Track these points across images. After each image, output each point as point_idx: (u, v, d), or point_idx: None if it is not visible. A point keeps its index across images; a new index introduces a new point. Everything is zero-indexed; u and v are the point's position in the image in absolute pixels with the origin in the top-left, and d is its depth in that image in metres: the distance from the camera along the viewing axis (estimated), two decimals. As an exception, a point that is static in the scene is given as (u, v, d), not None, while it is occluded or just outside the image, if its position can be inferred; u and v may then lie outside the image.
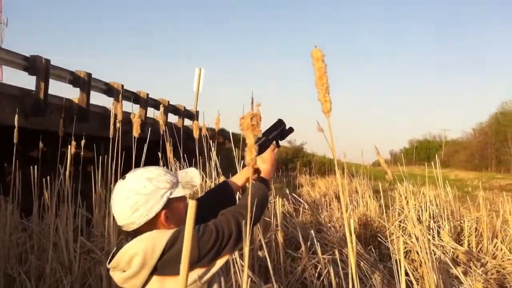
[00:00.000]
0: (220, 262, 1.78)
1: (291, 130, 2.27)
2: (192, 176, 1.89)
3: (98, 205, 4.33)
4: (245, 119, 1.47)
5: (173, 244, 1.69)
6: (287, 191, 7.86)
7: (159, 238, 1.70)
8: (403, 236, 6.37)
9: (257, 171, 2.10)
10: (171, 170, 5.41)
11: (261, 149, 2.07)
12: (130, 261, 1.70)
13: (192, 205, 0.82)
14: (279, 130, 2.19)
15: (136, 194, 1.74)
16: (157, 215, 1.75)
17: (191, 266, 1.70)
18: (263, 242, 4.27)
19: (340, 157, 13.06)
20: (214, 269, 1.76)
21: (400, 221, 7.52)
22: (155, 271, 1.70)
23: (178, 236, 1.70)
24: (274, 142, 2.16)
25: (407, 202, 7.50)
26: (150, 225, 1.75)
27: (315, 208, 8.39)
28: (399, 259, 2.57)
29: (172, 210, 1.79)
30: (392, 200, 8.84)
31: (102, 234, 4.10)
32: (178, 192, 1.80)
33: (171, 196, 1.77)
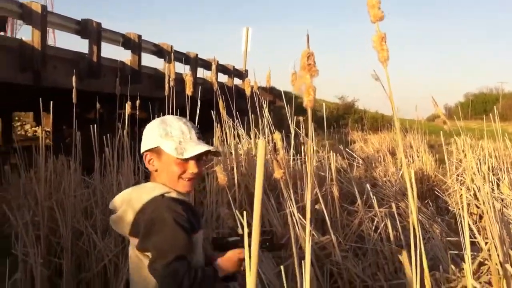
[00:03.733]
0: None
1: (282, 246, 2.06)
2: (195, 149, 1.79)
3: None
4: (302, 58, 1.42)
5: (150, 206, 1.72)
6: (340, 147, 7.81)
7: (144, 193, 1.76)
8: (461, 189, 6.24)
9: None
10: (224, 128, 5.47)
11: (227, 247, 1.88)
12: (119, 204, 1.82)
13: (260, 145, 0.81)
14: (262, 239, 1.93)
15: (147, 127, 1.86)
16: (145, 154, 1.83)
17: (143, 244, 1.71)
18: (319, 195, 4.27)
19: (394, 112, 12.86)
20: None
21: (457, 175, 7.36)
22: (131, 228, 1.76)
23: (158, 202, 1.72)
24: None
25: (465, 155, 7.32)
26: (145, 157, 1.84)
27: (369, 163, 8.30)
28: (461, 207, 2.53)
29: (157, 159, 1.80)
30: (449, 155, 8.64)
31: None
32: (166, 146, 1.78)
33: (160, 145, 1.78)
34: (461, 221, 3.15)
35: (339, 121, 20.44)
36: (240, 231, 1.98)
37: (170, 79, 4.41)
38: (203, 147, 1.80)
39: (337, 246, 3.66)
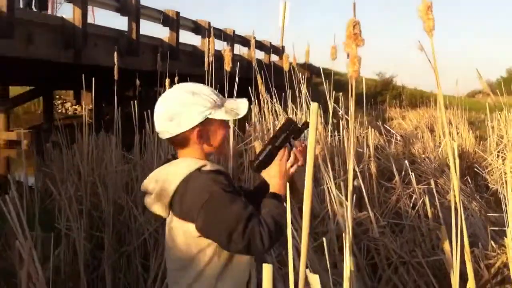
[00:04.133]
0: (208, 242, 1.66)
1: (306, 125, 1.86)
2: (239, 106, 1.78)
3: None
4: (348, 27, 1.40)
5: (192, 182, 1.65)
6: (378, 123, 7.75)
7: (180, 170, 1.67)
8: (503, 165, 6.13)
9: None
10: (261, 104, 5.49)
11: (268, 162, 1.79)
12: (151, 186, 1.73)
13: (313, 109, 0.82)
14: (288, 133, 1.82)
15: (175, 104, 1.71)
16: (191, 130, 1.69)
17: (191, 219, 1.64)
18: (357, 171, 4.27)
19: (432, 89, 12.58)
20: (204, 243, 1.66)
21: (498, 151, 7.22)
22: (171, 206, 1.69)
23: (199, 176, 1.66)
24: (286, 146, 1.80)
25: (507, 131, 7.17)
26: (182, 138, 1.71)
27: (407, 140, 8.22)
28: (504, 183, 2.49)
29: (207, 130, 1.73)
30: (489, 131, 8.47)
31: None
32: (219, 115, 1.72)
33: (209, 116, 1.70)
34: (503, 197, 3.12)
35: (377, 97, 20.18)
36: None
37: (210, 55, 4.44)
38: (243, 100, 1.80)
39: (374, 222, 3.67)
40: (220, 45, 10.52)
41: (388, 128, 8.09)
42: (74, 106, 18.09)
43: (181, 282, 1.73)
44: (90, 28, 8.32)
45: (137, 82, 6.78)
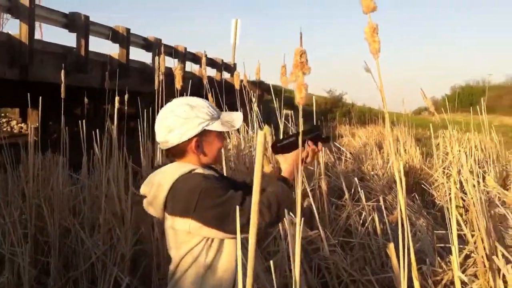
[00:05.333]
0: (211, 232, 1.76)
1: (327, 139, 2.13)
2: (234, 118, 1.94)
3: (146, 158, 4.42)
4: (295, 55, 1.43)
5: (182, 182, 1.77)
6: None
7: (172, 173, 1.80)
8: (448, 182, 6.30)
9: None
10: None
11: (287, 149, 1.94)
12: (147, 189, 1.87)
13: (260, 134, 0.82)
14: (312, 135, 2.01)
15: (175, 116, 1.84)
16: (189, 141, 1.84)
17: (185, 214, 1.74)
18: (308, 190, 4.30)
19: (380, 106, 12.88)
20: (207, 234, 1.76)
21: (444, 168, 7.43)
22: (165, 206, 1.81)
23: (189, 176, 1.78)
24: (308, 145, 1.97)
25: (452, 148, 7.39)
26: (181, 148, 1.86)
27: (357, 157, 8.35)
28: (449, 200, 2.56)
29: (205, 140, 1.87)
30: (435, 148, 8.72)
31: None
32: (215, 127, 1.86)
33: (207, 127, 1.85)
34: (448, 214, 3.20)
35: (327, 115, 20.48)
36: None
37: (160, 73, 4.40)
38: (238, 114, 1.98)
39: (325, 241, 3.70)
40: (172, 62, 10.43)
41: (338, 145, 8.20)
42: (20, 124, 17.56)
43: (172, 278, 1.86)
44: (37, 44, 8.12)
45: (85, 100, 6.64)
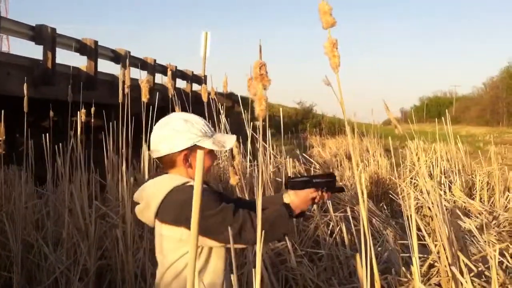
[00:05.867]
0: (205, 241, 1.85)
1: (341, 189, 2.31)
2: (227, 139, 2.02)
3: (111, 171, 4.37)
4: (254, 68, 1.44)
5: (175, 193, 1.86)
6: (298, 152, 7.88)
7: (166, 183, 1.90)
8: (414, 192, 6.39)
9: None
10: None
11: (300, 187, 2.06)
12: (142, 196, 1.96)
13: (200, 154, 0.83)
14: (326, 180, 2.17)
15: (169, 128, 1.95)
16: (179, 153, 1.93)
17: (179, 223, 1.83)
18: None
19: (350, 117, 13.04)
20: (199, 242, 1.84)
21: (411, 178, 7.53)
22: (157, 214, 1.89)
23: (183, 188, 1.88)
24: (320, 188, 2.11)
25: (418, 158, 7.50)
26: (171, 159, 1.95)
27: (326, 168, 8.41)
28: (410, 211, 2.60)
29: (193, 155, 1.94)
30: (403, 158, 8.84)
31: (116, 198, 4.16)
32: (206, 144, 1.94)
33: (198, 143, 1.92)
34: (407, 224, 3.24)
35: (298, 126, 20.60)
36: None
37: (125, 86, 4.36)
38: (232, 137, 2.06)
39: (292, 252, 3.70)
40: (142, 74, 10.37)
41: (307, 156, 8.25)
42: (-14, 138, 17.23)
43: (161, 283, 1.94)
44: (3, 56, 8.01)
45: (51, 113, 6.55)
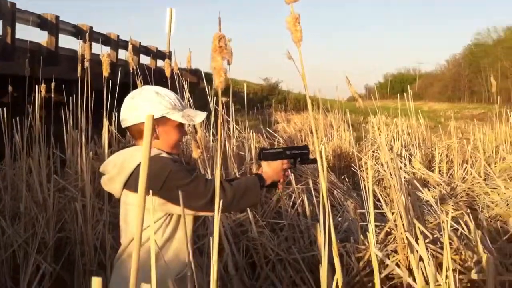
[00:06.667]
0: (175, 209, 1.87)
1: (314, 161, 2.27)
2: (197, 115, 2.02)
3: (71, 146, 4.33)
4: (213, 40, 1.45)
5: (150, 163, 1.80)
6: (261, 127, 7.94)
7: (137, 154, 1.90)
8: (376, 165, 6.53)
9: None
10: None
11: (273, 158, 2.09)
12: (110, 167, 1.95)
13: (149, 119, 0.83)
14: (300, 152, 2.20)
15: (139, 98, 1.96)
16: None
17: (153, 192, 1.81)
18: (237, 175, 4.35)
19: (316, 93, 13.13)
20: (171, 210, 1.88)
21: (373, 151, 7.67)
22: (126, 184, 1.89)
23: (155, 158, 1.87)
24: (291, 160, 2.15)
25: (380, 132, 7.64)
26: (138, 129, 1.94)
27: (291, 142, 8.49)
28: (367, 178, 2.67)
29: (161, 127, 1.95)
30: (366, 133, 8.98)
31: (76, 172, 4.13)
32: (175, 117, 1.95)
33: (166, 115, 1.93)
34: (364, 194, 3.33)
35: (263, 102, 20.63)
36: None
37: (85, 60, 4.30)
38: (203, 113, 2.05)
39: (253, 223, 3.76)
40: (106, 50, 10.20)
41: (271, 131, 8.30)
42: None
43: (126, 251, 1.94)
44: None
45: (10, 88, 6.42)
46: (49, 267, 3.32)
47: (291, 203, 4.53)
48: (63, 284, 3.44)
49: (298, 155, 2.18)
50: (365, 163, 7.01)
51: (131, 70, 4.95)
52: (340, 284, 2.27)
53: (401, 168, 6.61)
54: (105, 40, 11.98)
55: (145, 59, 15.55)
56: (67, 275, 3.51)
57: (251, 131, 5.70)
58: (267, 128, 8.21)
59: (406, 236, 2.99)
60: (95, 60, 4.46)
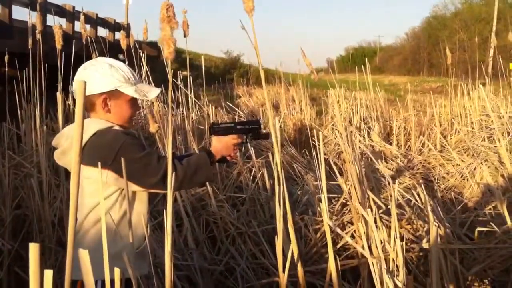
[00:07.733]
0: (128, 185, 1.83)
1: (266, 136, 2.27)
2: (150, 90, 2.01)
3: (25, 120, 4.23)
4: (161, 9, 1.43)
5: (100, 136, 1.84)
6: (222, 101, 7.91)
7: (89, 127, 1.86)
8: (335, 138, 6.61)
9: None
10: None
11: (223, 133, 2.09)
12: (63, 140, 1.94)
13: (80, 87, 0.81)
14: (251, 127, 2.19)
15: (92, 70, 1.91)
16: (99, 95, 1.90)
17: (103, 165, 1.77)
18: (196, 150, 4.34)
19: (277, 66, 13.12)
20: (122, 185, 1.84)
21: (333, 125, 7.75)
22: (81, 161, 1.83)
23: (105, 132, 1.86)
24: (242, 135, 2.14)
25: (340, 105, 7.72)
26: (90, 101, 1.91)
27: (251, 116, 8.50)
28: (319, 145, 2.71)
29: (113, 100, 1.93)
30: (327, 106, 9.05)
31: (31, 148, 4.05)
32: (128, 91, 1.93)
33: (119, 88, 1.91)
34: (316, 166, 3.37)
35: (225, 76, 20.52)
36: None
37: (37, 32, 4.19)
38: (157, 89, 2.03)
39: (213, 197, 3.77)
40: (61, 22, 9.91)
41: (231, 105, 8.29)
42: None
43: (82, 227, 1.89)
44: None
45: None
46: (7, 244, 3.27)
47: (251, 177, 4.55)
48: (21, 261, 3.40)
49: (249, 130, 2.18)
50: (325, 136, 7.09)
51: (84, 42, 4.83)
52: (295, 255, 2.33)
53: (360, 141, 6.71)
54: (60, 11, 11.65)
55: (102, 31, 15.22)
56: (25, 253, 3.47)
57: (210, 105, 5.68)
58: (228, 103, 8.18)
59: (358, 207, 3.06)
60: (50, 33, 4.34)
